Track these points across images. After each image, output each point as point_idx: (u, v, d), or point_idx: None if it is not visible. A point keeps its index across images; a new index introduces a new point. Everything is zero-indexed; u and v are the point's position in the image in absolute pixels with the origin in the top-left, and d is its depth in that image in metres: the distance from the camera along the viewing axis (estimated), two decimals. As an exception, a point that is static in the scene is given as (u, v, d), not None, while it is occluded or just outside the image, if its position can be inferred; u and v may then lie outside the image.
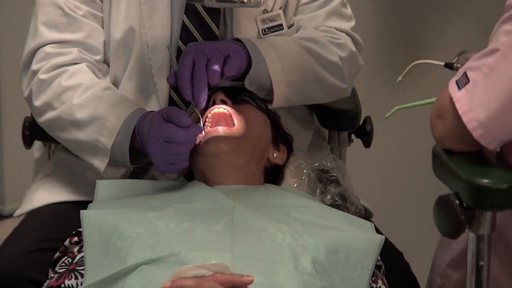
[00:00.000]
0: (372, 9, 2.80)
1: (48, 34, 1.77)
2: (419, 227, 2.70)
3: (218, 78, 1.62)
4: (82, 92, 1.71)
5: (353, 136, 2.05)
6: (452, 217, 1.40)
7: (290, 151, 1.76)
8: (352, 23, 1.92)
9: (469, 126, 1.39)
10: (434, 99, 1.69)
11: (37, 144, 2.00)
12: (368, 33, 2.72)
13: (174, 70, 1.68)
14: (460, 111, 1.40)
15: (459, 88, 1.41)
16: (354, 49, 1.88)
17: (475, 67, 1.41)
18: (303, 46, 1.80)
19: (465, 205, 1.40)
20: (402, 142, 2.85)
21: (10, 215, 3.27)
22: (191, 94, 1.60)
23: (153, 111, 1.65)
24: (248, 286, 1.29)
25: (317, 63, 1.80)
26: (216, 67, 1.61)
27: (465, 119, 1.40)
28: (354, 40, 1.90)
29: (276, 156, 1.69)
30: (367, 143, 2.04)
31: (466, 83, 1.41)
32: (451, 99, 1.43)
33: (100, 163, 1.69)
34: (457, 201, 1.40)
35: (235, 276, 1.29)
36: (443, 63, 1.82)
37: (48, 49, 1.76)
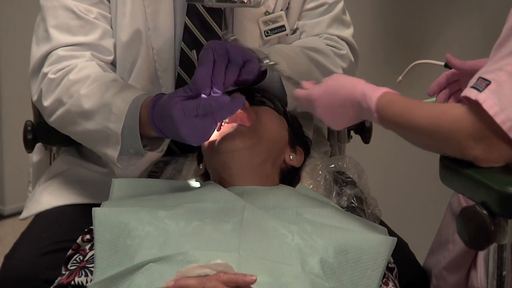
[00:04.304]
0: (372, 9, 2.81)
1: (61, 37, 1.74)
2: (418, 224, 2.70)
3: (233, 81, 1.61)
4: (90, 83, 1.69)
5: (352, 133, 2.06)
6: (482, 228, 1.36)
7: (307, 153, 1.76)
8: (351, 30, 1.95)
9: (505, 126, 1.34)
10: (434, 99, 1.69)
11: (36, 147, 2.00)
12: (368, 33, 2.73)
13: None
14: (490, 112, 1.34)
15: (480, 91, 1.35)
16: (353, 59, 1.91)
17: (493, 70, 1.37)
18: (309, 57, 1.82)
19: (491, 215, 1.36)
20: (402, 141, 2.85)
21: (10, 215, 3.29)
22: (210, 93, 1.57)
23: (163, 93, 1.61)
24: (254, 286, 1.29)
25: (322, 76, 1.81)
26: (236, 70, 1.61)
27: (498, 120, 1.34)
28: (352, 48, 1.93)
29: (292, 158, 1.70)
30: (366, 139, 2.05)
31: (487, 85, 1.35)
32: (480, 107, 1.34)
33: (112, 151, 1.65)
34: (485, 212, 1.36)
35: (238, 275, 1.29)
36: (443, 63, 1.82)
37: (61, 52, 1.74)
